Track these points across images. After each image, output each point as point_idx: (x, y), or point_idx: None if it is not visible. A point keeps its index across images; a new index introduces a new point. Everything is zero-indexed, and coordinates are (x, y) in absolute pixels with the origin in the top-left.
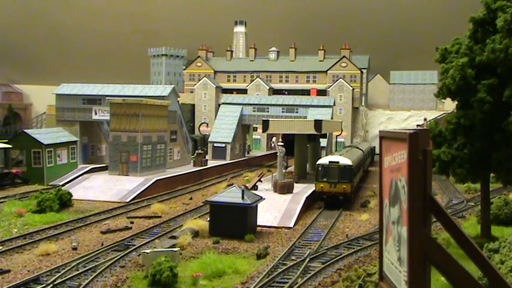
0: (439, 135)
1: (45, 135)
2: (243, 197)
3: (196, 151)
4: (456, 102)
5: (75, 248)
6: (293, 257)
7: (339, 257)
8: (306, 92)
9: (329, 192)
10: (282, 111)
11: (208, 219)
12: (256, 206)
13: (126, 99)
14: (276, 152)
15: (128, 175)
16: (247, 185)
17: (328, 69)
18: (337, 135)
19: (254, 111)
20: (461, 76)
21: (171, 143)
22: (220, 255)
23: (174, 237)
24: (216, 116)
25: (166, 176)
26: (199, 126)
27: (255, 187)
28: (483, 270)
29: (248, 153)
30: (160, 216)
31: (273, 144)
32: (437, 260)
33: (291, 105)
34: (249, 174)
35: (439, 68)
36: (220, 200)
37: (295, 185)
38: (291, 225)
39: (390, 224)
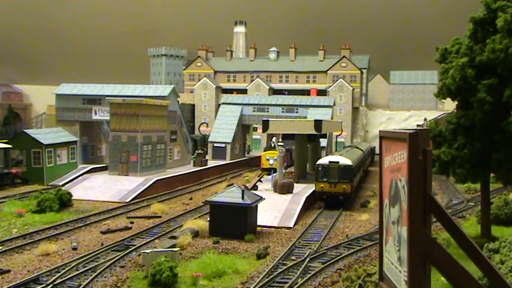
0: (439, 135)
1: (45, 135)
2: (243, 197)
3: (196, 151)
4: (456, 102)
5: (75, 248)
6: (293, 257)
7: (339, 257)
8: (306, 92)
9: (329, 192)
10: (282, 111)
11: (208, 219)
12: (256, 206)
13: (126, 99)
14: None
15: (127, 175)
16: (247, 185)
17: (328, 69)
18: (337, 135)
19: (254, 111)
20: (461, 76)
21: (171, 143)
22: (220, 255)
23: (174, 237)
24: (216, 116)
25: (166, 176)
26: (199, 126)
27: (255, 187)
28: (483, 270)
29: (248, 153)
30: (160, 216)
31: (273, 144)
32: (437, 260)
33: (291, 105)
34: (249, 174)
35: (439, 68)
36: (220, 200)
37: (295, 185)
38: (291, 225)
39: (390, 224)
